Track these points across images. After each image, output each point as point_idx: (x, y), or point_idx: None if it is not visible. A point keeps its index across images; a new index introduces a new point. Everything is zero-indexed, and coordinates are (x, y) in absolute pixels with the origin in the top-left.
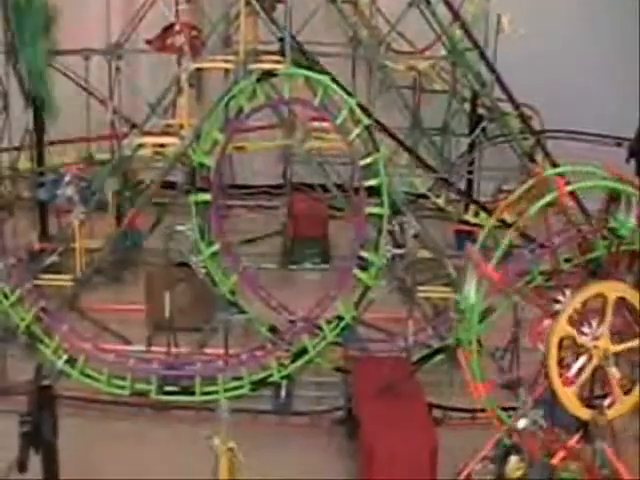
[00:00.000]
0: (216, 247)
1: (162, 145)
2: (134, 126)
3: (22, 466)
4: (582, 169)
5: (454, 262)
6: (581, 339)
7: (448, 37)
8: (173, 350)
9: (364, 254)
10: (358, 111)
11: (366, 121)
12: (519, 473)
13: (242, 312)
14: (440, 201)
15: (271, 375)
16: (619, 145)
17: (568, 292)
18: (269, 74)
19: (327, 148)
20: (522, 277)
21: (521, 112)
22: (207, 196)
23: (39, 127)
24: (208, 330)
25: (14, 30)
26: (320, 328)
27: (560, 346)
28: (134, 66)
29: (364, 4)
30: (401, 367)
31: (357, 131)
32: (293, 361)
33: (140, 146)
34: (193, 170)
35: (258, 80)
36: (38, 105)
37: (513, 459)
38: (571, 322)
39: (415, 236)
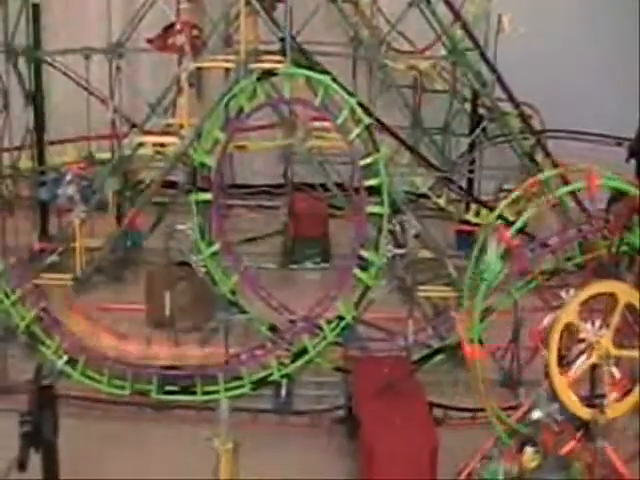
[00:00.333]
0: (216, 247)
1: (162, 144)
2: (134, 125)
3: (22, 466)
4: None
5: (455, 262)
6: (584, 332)
7: (449, 37)
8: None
9: (364, 254)
10: (359, 111)
11: (367, 121)
12: (534, 464)
13: (243, 312)
14: (441, 201)
15: (271, 374)
16: (619, 145)
17: (571, 291)
18: (270, 73)
19: (328, 148)
20: (523, 276)
21: (521, 112)
22: (208, 195)
23: (39, 126)
24: (208, 330)
25: None
26: (320, 328)
27: (560, 345)
28: (135, 65)
29: (365, 4)
30: (401, 366)
31: (357, 131)
32: (293, 361)
33: (140, 145)
34: (194, 169)
35: (259, 79)
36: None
37: (529, 450)
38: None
39: (416, 236)
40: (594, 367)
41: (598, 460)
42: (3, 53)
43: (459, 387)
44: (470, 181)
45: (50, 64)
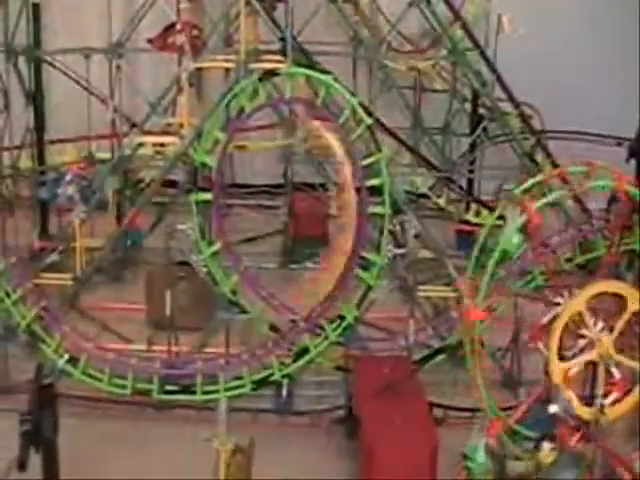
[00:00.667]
0: (217, 246)
1: (162, 144)
2: (134, 125)
3: (22, 465)
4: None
5: (455, 262)
6: (588, 327)
7: (449, 37)
8: (174, 349)
9: (365, 254)
10: (360, 111)
11: (368, 121)
12: (550, 459)
13: (243, 312)
14: (441, 201)
15: (272, 374)
16: (619, 145)
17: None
18: (270, 73)
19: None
20: (523, 276)
21: (521, 112)
22: (208, 195)
23: (40, 126)
24: (209, 329)
25: None
26: (322, 328)
27: (561, 345)
28: (135, 65)
29: (365, 4)
30: (402, 366)
31: (359, 131)
32: (294, 361)
33: (140, 145)
34: (194, 169)
35: (259, 79)
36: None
37: (546, 445)
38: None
39: (416, 236)
40: (594, 367)
41: (598, 460)
42: (3, 53)
43: (459, 387)
44: (470, 181)
45: (50, 64)
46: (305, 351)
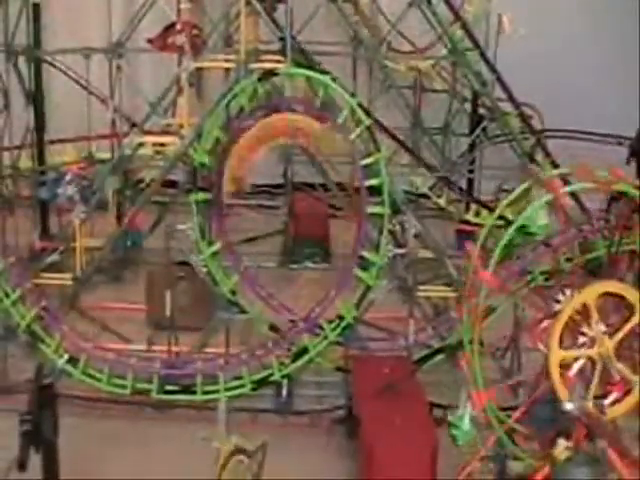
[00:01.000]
0: (217, 246)
1: (162, 144)
2: (134, 125)
3: (22, 465)
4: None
5: (455, 262)
6: (581, 352)
7: (449, 37)
8: (174, 349)
9: (365, 254)
10: (359, 111)
11: (367, 121)
12: (564, 456)
13: (243, 312)
14: (441, 201)
15: (272, 374)
16: (620, 144)
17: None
18: (270, 73)
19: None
20: (522, 276)
21: (521, 112)
22: (208, 195)
23: (40, 126)
24: (209, 329)
25: None
26: (321, 328)
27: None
28: (135, 65)
29: (365, 4)
30: (402, 366)
31: (358, 131)
32: (294, 361)
33: (140, 145)
34: (194, 169)
35: (258, 79)
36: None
37: (561, 443)
38: (570, 325)
39: (416, 236)
40: (592, 367)
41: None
42: (3, 53)
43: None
44: (470, 181)
45: (50, 64)
46: (304, 351)
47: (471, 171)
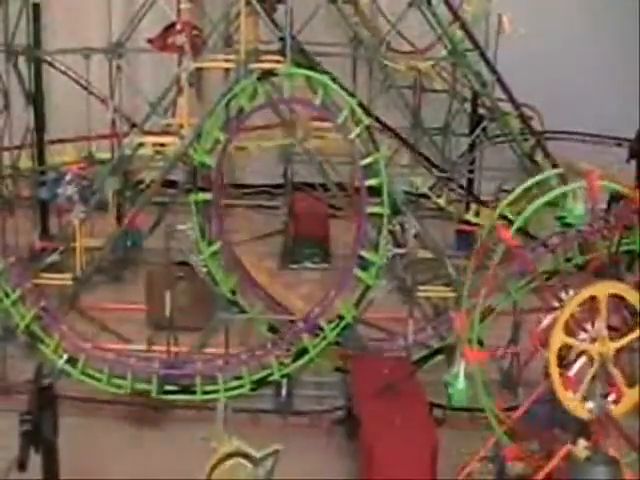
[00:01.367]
0: (216, 246)
1: (162, 144)
2: (134, 125)
3: (22, 465)
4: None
5: (454, 262)
6: (580, 345)
7: (449, 37)
8: (173, 349)
9: (364, 254)
10: (359, 111)
11: (366, 121)
12: (584, 455)
13: (243, 312)
14: (441, 201)
15: (271, 374)
16: (619, 146)
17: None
18: (270, 73)
19: (327, 147)
20: (523, 276)
21: (521, 112)
22: (208, 195)
23: (40, 126)
24: (208, 329)
25: None
26: (321, 328)
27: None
28: (135, 65)
29: (365, 4)
30: (401, 367)
31: (357, 130)
32: (294, 361)
33: (140, 145)
34: (194, 169)
35: (259, 79)
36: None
37: (581, 443)
38: (570, 325)
39: (415, 236)
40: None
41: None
42: (3, 53)
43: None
44: (470, 181)
45: (50, 64)
46: (304, 351)
47: (471, 171)
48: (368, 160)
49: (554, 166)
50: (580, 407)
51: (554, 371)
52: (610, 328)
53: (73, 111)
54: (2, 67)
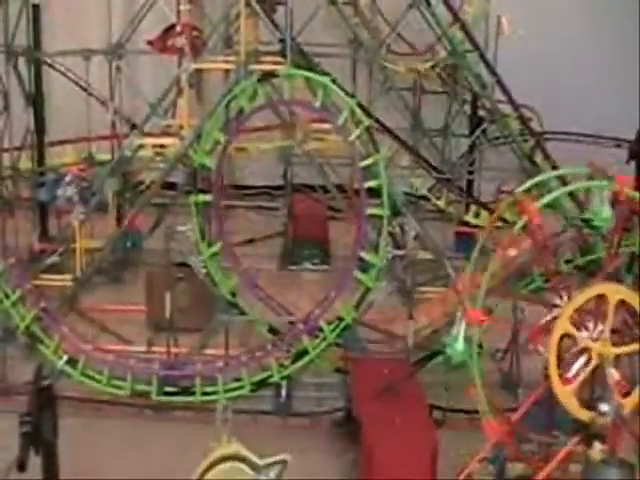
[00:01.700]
0: (216, 248)
1: (162, 146)
2: (134, 127)
3: (22, 466)
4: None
5: (454, 263)
6: (581, 339)
7: (448, 39)
8: (173, 350)
9: (364, 255)
10: (359, 112)
11: (366, 122)
12: (599, 457)
13: (242, 313)
14: (440, 202)
15: (271, 376)
16: (619, 147)
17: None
18: (270, 75)
19: (327, 149)
20: (522, 278)
21: (521, 114)
22: (207, 197)
23: (40, 127)
24: (208, 331)
25: None
26: (320, 329)
27: (560, 347)
28: (135, 66)
29: (364, 5)
30: (401, 368)
31: (357, 132)
32: (293, 362)
33: (140, 147)
34: (194, 171)
35: (259, 81)
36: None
37: (597, 445)
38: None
39: (415, 237)
40: (593, 369)
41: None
42: (3, 54)
43: (458, 388)
44: (470, 182)
45: (50, 65)
46: (304, 353)
47: (471, 172)
48: (368, 162)
49: (554, 167)
50: (579, 408)
51: (553, 372)
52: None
53: (73, 112)
54: (2, 68)
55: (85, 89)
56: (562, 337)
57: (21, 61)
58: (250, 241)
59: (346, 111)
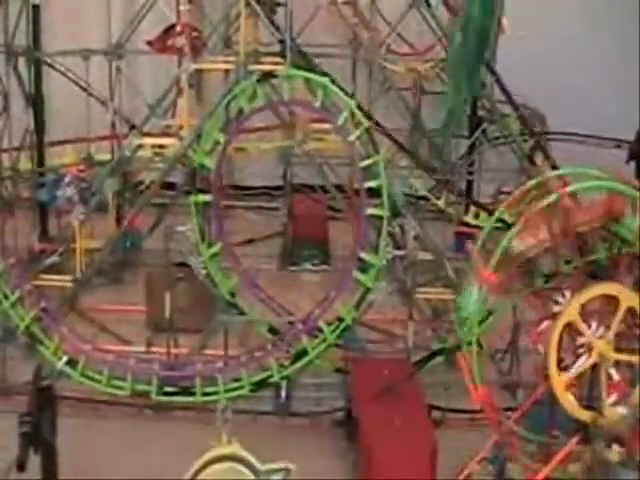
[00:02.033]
0: (216, 248)
1: (162, 146)
2: (134, 127)
3: (21, 466)
4: (583, 171)
5: (454, 264)
6: (585, 332)
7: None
8: (173, 350)
9: (364, 256)
10: (358, 112)
11: (366, 123)
12: (616, 459)
13: (242, 314)
14: (440, 203)
15: (271, 376)
16: (619, 147)
17: (567, 293)
18: (269, 75)
19: (327, 149)
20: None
21: (521, 114)
22: (207, 197)
23: (39, 127)
24: (208, 331)
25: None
26: (320, 329)
27: (559, 348)
28: (134, 67)
29: (364, 6)
30: (401, 368)
31: (357, 132)
32: (293, 363)
33: (140, 147)
34: (193, 171)
35: (258, 81)
36: None
37: (615, 448)
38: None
39: (415, 238)
40: (593, 369)
41: (597, 462)
42: (3, 54)
43: (457, 389)
44: (469, 183)
45: (50, 65)
46: (304, 353)
47: (470, 173)
48: (368, 162)
49: (554, 168)
50: (579, 408)
51: (553, 372)
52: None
53: (73, 112)
54: (2, 69)
55: (85, 89)
56: (561, 334)
57: (21, 61)
58: (250, 241)
59: (346, 111)
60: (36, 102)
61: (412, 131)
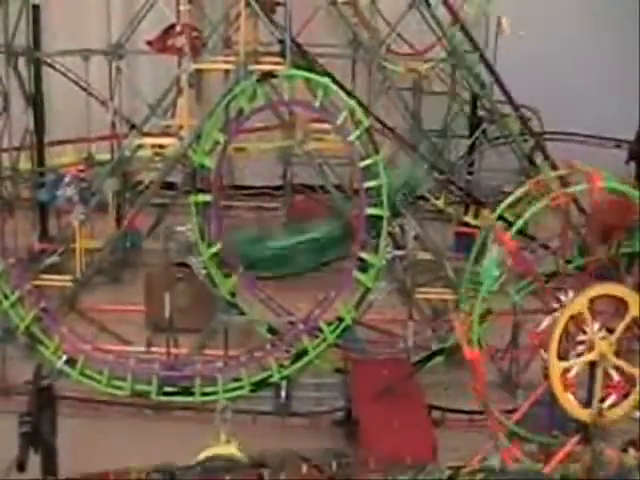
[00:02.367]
0: (216, 248)
1: (162, 146)
2: (134, 127)
3: (21, 466)
4: (582, 170)
5: (453, 264)
6: (589, 329)
7: (448, 39)
8: (173, 350)
9: (364, 255)
10: (358, 112)
11: (366, 122)
12: (633, 463)
13: (242, 314)
14: (440, 203)
15: (271, 376)
16: (618, 147)
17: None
18: (269, 75)
19: (327, 149)
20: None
21: (521, 114)
22: (207, 197)
23: (39, 127)
24: (208, 331)
25: None
26: (320, 329)
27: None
28: (134, 67)
29: (364, 6)
30: (401, 368)
31: (357, 132)
32: (293, 362)
33: (140, 147)
34: (193, 171)
35: (258, 81)
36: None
37: (631, 452)
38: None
39: (415, 238)
40: (592, 369)
41: (597, 462)
42: (3, 54)
43: (457, 389)
44: (469, 183)
45: (50, 65)
46: (304, 353)
47: (470, 173)
48: (367, 162)
49: (553, 168)
50: (578, 408)
51: (554, 372)
52: (610, 331)
53: (73, 112)
54: (2, 69)
55: (85, 89)
56: (562, 334)
57: (21, 61)
58: None
59: (346, 111)
60: (36, 102)
61: (412, 131)
